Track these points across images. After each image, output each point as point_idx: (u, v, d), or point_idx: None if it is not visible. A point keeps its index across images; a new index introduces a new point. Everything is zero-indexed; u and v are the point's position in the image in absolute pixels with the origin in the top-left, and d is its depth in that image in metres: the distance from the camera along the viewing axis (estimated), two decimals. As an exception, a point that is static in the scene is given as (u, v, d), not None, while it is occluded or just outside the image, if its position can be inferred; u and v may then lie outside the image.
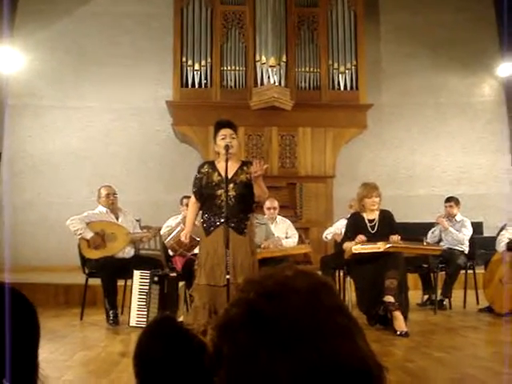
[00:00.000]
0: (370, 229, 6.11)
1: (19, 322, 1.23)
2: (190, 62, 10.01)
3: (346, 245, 6.08)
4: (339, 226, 7.87)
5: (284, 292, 0.93)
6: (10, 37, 10.39)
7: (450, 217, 7.63)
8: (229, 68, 10.11)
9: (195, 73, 10.01)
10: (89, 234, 6.38)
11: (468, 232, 7.53)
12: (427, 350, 4.80)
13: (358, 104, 10.28)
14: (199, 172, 5.08)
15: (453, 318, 6.69)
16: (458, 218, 7.64)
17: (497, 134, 11.36)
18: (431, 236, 7.64)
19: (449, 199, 7.78)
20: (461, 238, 7.46)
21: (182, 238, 5.27)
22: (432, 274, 7.19)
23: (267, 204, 7.47)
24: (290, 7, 10.33)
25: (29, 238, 10.39)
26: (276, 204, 7.63)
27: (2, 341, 1.17)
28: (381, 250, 5.71)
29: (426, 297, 7.48)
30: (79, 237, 6.41)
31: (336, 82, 10.25)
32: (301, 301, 0.92)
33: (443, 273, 7.29)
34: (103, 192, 6.78)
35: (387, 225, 6.12)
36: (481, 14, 11.48)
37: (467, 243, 7.50)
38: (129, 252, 6.60)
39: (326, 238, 8.16)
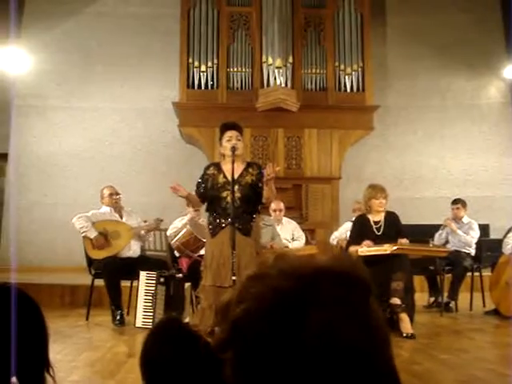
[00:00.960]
0: (375, 230, 6.10)
1: (24, 320, 1.23)
2: (196, 64, 10.01)
3: (352, 248, 6.07)
4: (343, 231, 7.89)
5: (303, 308, 0.78)
6: (17, 37, 10.42)
7: (457, 219, 7.61)
8: (235, 69, 10.11)
9: (201, 74, 10.01)
10: (93, 234, 6.40)
11: (475, 234, 7.51)
12: (433, 352, 4.79)
13: (365, 106, 10.26)
14: (205, 173, 5.09)
15: (459, 320, 6.68)
16: (465, 220, 7.62)
17: (503, 136, 11.33)
18: (438, 238, 7.62)
19: (456, 201, 7.75)
20: (469, 240, 7.44)
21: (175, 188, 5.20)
22: (438, 277, 7.17)
23: (273, 206, 7.47)
24: (297, 8, 10.32)
25: (35, 238, 10.41)
26: (282, 206, 7.64)
27: (8, 339, 1.18)
28: (387, 251, 5.70)
29: (432, 299, 7.47)
30: (83, 235, 6.43)
31: (342, 84, 10.24)
32: (329, 321, 0.78)
33: (450, 275, 7.28)
34: (106, 192, 6.83)
35: (393, 226, 6.12)
36: (487, 16, 11.46)
37: (474, 245, 7.49)
38: (135, 251, 6.62)
39: (332, 242, 8.21)
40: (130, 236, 6.56)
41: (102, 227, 6.50)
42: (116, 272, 6.29)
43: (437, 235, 7.68)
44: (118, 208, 6.84)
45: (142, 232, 6.75)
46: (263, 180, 4.82)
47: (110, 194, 6.80)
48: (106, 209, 6.79)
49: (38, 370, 1.30)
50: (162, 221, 6.85)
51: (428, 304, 7.45)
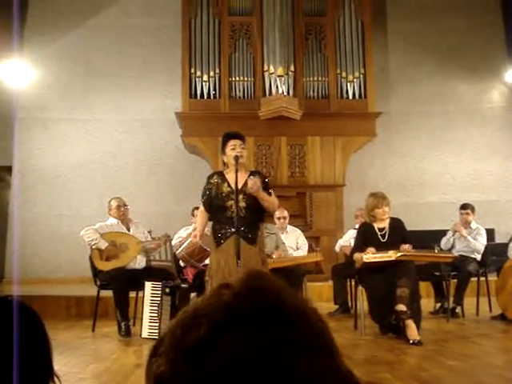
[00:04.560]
0: (380, 237, 6.08)
1: (24, 332, 1.23)
2: (198, 73, 10.04)
3: (357, 255, 6.06)
4: (348, 238, 7.88)
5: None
6: (20, 50, 10.46)
7: (466, 224, 7.56)
8: (237, 78, 10.14)
9: (204, 84, 10.03)
10: (103, 245, 6.39)
11: (484, 241, 7.46)
12: (440, 359, 4.77)
13: (367, 112, 10.27)
14: (208, 182, 5.08)
15: (466, 325, 6.64)
16: (473, 225, 7.56)
17: (507, 140, 11.32)
18: (446, 243, 7.56)
19: (465, 206, 7.66)
20: (478, 247, 7.38)
21: (192, 239, 5.25)
22: (444, 282, 7.13)
23: (277, 214, 7.47)
24: (298, 17, 10.34)
25: (40, 250, 10.42)
26: (286, 214, 7.64)
27: (10, 353, 1.18)
28: (392, 258, 5.68)
29: (438, 305, 7.43)
30: (94, 247, 6.42)
31: (344, 91, 10.25)
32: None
33: (455, 280, 7.24)
34: (113, 204, 6.79)
35: (398, 233, 6.10)
36: (488, 21, 11.47)
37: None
38: (140, 263, 6.60)
39: (336, 250, 8.20)
40: (138, 249, 6.53)
41: (111, 239, 6.48)
42: (124, 283, 6.28)
43: (444, 240, 7.61)
44: (125, 220, 6.82)
45: (151, 246, 6.74)
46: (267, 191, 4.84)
47: (118, 206, 6.75)
48: (113, 221, 6.75)
49: (43, 382, 1.30)
50: (169, 237, 6.84)
51: (434, 310, 7.42)
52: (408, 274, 5.63)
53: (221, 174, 5.09)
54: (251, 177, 4.82)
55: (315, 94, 10.23)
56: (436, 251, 6.62)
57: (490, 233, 9.80)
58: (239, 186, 4.82)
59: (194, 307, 0.80)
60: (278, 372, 0.73)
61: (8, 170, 10.85)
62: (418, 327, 5.55)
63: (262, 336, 0.74)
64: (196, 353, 0.75)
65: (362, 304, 6.15)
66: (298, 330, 0.76)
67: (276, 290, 0.80)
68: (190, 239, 6.22)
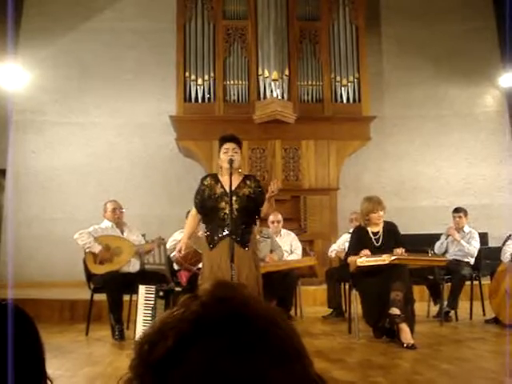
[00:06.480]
0: (374, 242, 6.08)
1: (18, 335, 1.23)
2: (193, 77, 10.04)
3: (351, 259, 6.06)
4: (342, 242, 7.86)
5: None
6: (14, 54, 10.46)
7: (459, 228, 7.57)
8: (232, 82, 10.15)
9: (198, 87, 10.04)
10: (97, 248, 6.37)
11: (477, 244, 7.46)
12: (434, 362, 4.77)
13: (361, 116, 10.29)
14: (202, 184, 5.08)
15: (459, 329, 6.65)
16: (466, 229, 7.57)
17: (500, 144, 11.36)
18: (440, 247, 7.57)
19: (457, 210, 7.68)
20: (472, 251, 7.38)
21: (176, 254, 5.25)
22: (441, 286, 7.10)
23: (271, 218, 7.48)
24: (292, 21, 10.36)
25: (34, 253, 10.40)
26: (280, 217, 7.64)
27: (4, 356, 1.18)
28: (386, 262, 5.68)
29: (437, 307, 7.30)
30: (87, 250, 6.40)
31: (338, 95, 10.27)
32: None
33: (449, 284, 7.23)
34: (109, 206, 6.78)
35: (392, 237, 6.10)
36: (482, 25, 11.52)
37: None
38: (134, 266, 6.59)
39: (330, 254, 8.17)
40: (132, 253, 6.53)
41: (105, 243, 6.46)
42: (118, 287, 6.27)
43: (438, 244, 7.62)
44: (120, 223, 6.81)
45: (145, 249, 6.72)
46: (265, 196, 4.84)
47: (114, 209, 6.74)
48: (107, 223, 6.74)
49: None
50: (163, 240, 6.83)
51: (436, 314, 7.26)
52: (402, 278, 5.63)
53: (215, 176, 5.10)
54: (274, 180, 4.84)
55: (309, 97, 10.24)
56: (429, 255, 6.63)
57: (484, 237, 9.81)
58: (233, 188, 4.82)
59: (161, 320, 0.79)
60: (248, 382, 0.73)
61: (2, 172, 10.83)
62: (412, 331, 5.55)
63: (231, 346, 0.74)
64: (164, 366, 0.74)
65: (356, 307, 6.15)
66: (266, 338, 0.76)
67: (243, 298, 0.80)
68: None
